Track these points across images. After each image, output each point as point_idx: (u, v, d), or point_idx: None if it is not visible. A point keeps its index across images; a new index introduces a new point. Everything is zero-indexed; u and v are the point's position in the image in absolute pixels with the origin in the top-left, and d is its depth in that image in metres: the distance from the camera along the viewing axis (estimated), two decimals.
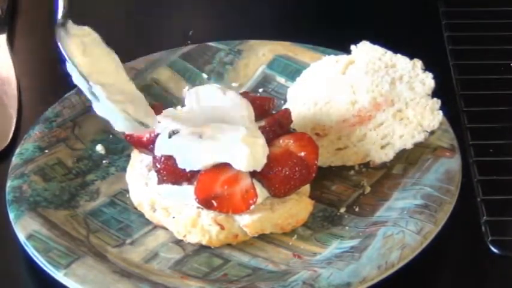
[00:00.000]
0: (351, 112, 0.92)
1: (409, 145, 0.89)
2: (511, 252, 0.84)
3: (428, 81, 0.92)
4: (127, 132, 0.87)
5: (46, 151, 0.92)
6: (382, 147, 0.90)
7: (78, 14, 1.20)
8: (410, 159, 0.91)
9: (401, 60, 0.94)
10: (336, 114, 0.93)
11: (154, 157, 0.85)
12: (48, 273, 0.80)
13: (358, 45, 0.97)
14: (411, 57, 0.95)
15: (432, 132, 0.90)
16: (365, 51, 0.96)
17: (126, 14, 1.23)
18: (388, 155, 0.89)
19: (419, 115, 0.90)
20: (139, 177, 0.88)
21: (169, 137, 0.85)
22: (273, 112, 0.89)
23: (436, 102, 0.90)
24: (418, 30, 1.14)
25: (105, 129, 0.96)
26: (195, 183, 0.83)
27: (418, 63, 0.94)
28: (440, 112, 0.90)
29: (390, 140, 0.90)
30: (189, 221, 0.84)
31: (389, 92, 0.92)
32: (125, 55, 1.05)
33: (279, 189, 0.84)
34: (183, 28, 1.15)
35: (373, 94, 0.92)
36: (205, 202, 0.82)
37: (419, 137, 0.89)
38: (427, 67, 0.93)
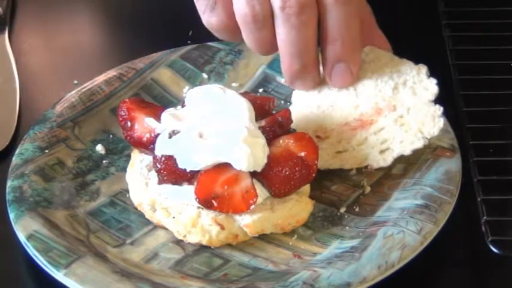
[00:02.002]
0: (352, 116, 0.92)
1: (407, 151, 0.88)
2: (511, 252, 0.84)
3: (432, 87, 0.91)
4: None
5: (46, 151, 0.92)
6: (381, 152, 0.89)
7: (77, 14, 1.21)
8: (410, 159, 0.90)
9: (406, 66, 0.93)
10: (338, 118, 0.92)
11: (154, 157, 0.85)
12: (48, 273, 0.80)
13: (364, 48, 0.97)
14: (411, 57, 0.94)
15: None
16: (371, 55, 0.96)
17: (126, 14, 1.23)
18: (386, 160, 0.89)
19: (420, 122, 0.89)
20: (139, 177, 0.88)
21: (170, 137, 0.85)
22: (273, 112, 0.89)
23: (438, 110, 0.90)
24: (418, 31, 1.14)
25: (105, 129, 0.96)
26: (195, 183, 0.83)
27: (423, 69, 0.92)
28: (441, 119, 0.89)
29: (390, 145, 0.89)
30: (189, 221, 0.83)
31: (392, 97, 0.91)
32: (125, 55, 1.06)
33: (279, 189, 0.84)
34: (183, 28, 1.14)
35: (376, 98, 0.92)
36: (206, 202, 0.82)
37: (419, 143, 0.88)
38: (427, 67, 0.93)
